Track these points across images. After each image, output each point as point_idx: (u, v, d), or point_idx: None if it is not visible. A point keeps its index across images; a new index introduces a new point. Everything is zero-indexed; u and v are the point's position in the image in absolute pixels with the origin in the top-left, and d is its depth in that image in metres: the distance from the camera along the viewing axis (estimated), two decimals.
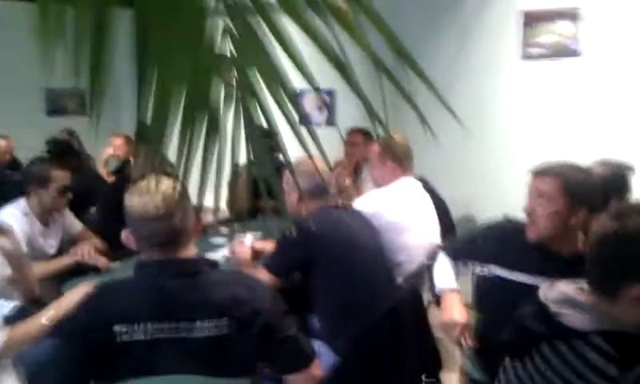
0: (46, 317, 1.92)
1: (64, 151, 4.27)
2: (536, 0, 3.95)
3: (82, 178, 3.61)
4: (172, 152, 0.84)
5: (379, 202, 2.74)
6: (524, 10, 3.97)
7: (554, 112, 4.00)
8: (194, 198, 1.02)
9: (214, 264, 1.70)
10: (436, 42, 4.22)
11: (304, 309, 2.41)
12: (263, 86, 0.81)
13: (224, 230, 3.41)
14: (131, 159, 4.70)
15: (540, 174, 1.95)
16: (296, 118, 0.83)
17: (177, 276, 1.57)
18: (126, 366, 1.50)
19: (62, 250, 2.94)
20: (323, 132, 0.88)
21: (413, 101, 0.75)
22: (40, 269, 2.71)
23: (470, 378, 2.12)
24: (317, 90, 0.82)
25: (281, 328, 1.64)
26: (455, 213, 3.51)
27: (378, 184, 2.96)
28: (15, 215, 2.79)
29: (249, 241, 2.86)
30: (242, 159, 0.92)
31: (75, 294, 1.96)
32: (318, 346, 2.29)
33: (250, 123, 0.83)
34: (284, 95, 0.81)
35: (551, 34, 3.89)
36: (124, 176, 3.55)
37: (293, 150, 0.93)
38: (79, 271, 2.76)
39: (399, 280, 2.60)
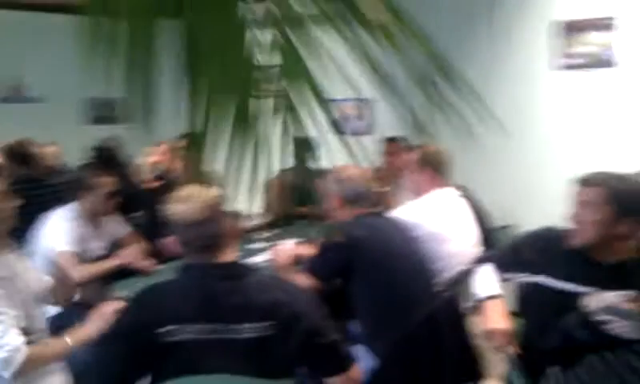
0: (71, 337, 1.91)
1: (109, 158, 4.41)
2: (571, 10, 3.90)
3: (126, 184, 3.72)
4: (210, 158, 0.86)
5: (419, 213, 2.73)
6: (558, 21, 3.92)
7: (589, 122, 3.93)
8: (235, 203, 1.05)
9: (254, 268, 1.74)
10: (470, 51, 4.19)
11: (344, 314, 2.43)
12: (307, 96, 0.83)
13: (264, 235, 3.46)
14: (171, 167, 4.82)
15: (585, 182, 1.94)
16: (337, 126, 0.85)
17: (221, 279, 1.62)
18: (170, 366, 1.55)
19: (108, 253, 3.03)
20: (361, 140, 0.90)
21: (456, 112, 0.76)
22: (87, 270, 2.81)
23: None
24: (361, 99, 0.84)
25: (321, 332, 1.66)
26: (495, 221, 3.47)
27: (415, 192, 2.95)
28: (65, 218, 2.90)
29: (289, 246, 2.89)
30: (281, 166, 0.94)
31: (101, 317, 1.93)
32: (358, 350, 2.30)
33: (294, 132, 0.86)
34: (326, 105, 0.83)
35: (586, 44, 3.83)
36: (167, 183, 3.64)
37: (333, 157, 0.95)
38: (124, 273, 2.84)
39: (438, 288, 2.59)
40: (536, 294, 2.04)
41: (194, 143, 0.86)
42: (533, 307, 2.07)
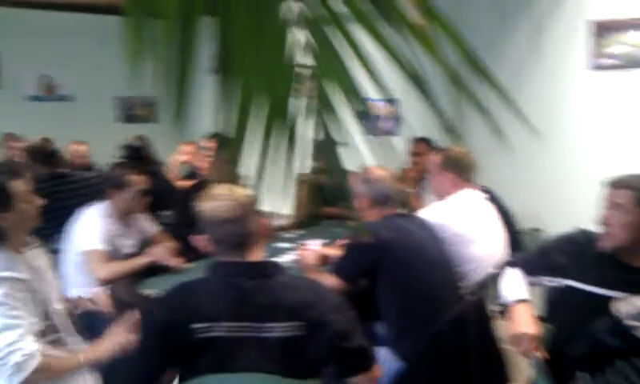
0: (84, 355, 1.89)
1: (139, 157, 4.50)
2: (606, 10, 3.83)
3: (155, 183, 3.78)
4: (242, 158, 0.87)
5: (445, 214, 2.73)
6: (594, 20, 3.86)
7: (623, 123, 3.86)
8: (264, 203, 1.05)
9: (282, 268, 1.75)
10: (503, 49, 4.15)
11: (369, 315, 2.43)
12: (339, 97, 0.84)
13: (291, 235, 3.48)
14: (199, 166, 4.88)
15: (615, 185, 1.93)
16: (369, 127, 0.86)
17: (252, 277, 1.64)
18: (200, 363, 1.57)
19: (138, 251, 3.08)
20: (389, 141, 0.90)
21: (489, 115, 0.75)
22: (117, 267, 2.86)
23: None
24: (391, 100, 0.85)
25: (347, 332, 1.68)
26: (524, 224, 3.44)
27: (438, 194, 2.95)
28: (97, 216, 2.96)
29: (315, 246, 2.91)
30: (310, 166, 0.95)
31: (116, 338, 1.89)
32: (383, 352, 2.30)
33: (327, 133, 0.86)
34: (359, 106, 0.84)
35: (621, 44, 3.76)
36: (199, 182, 3.69)
37: (362, 158, 0.95)
38: (153, 271, 2.89)
39: (465, 290, 2.58)
40: (565, 298, 2.03)
41: (227, 143, 0.86)
42: (562, 312, 2.05)
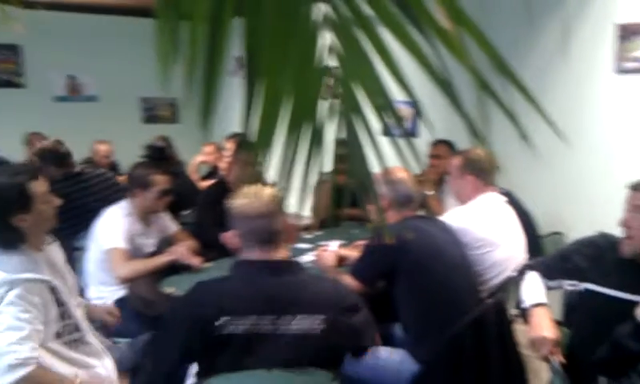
0: (79, 379, 1.84)
1: (162, 157, 4.55)
2: (632, 13, 3.78)
3: (177, 183, 3.82)
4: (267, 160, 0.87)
5: (466, 218, 2.72)
6: (620, 23, 3.81)
7: None
8: (289, 204, 1.06)
9: (303, 267, 1.79)
10: (527, 52, 4.12)
11: (387, 317, 2.43)
12: (365, 99, 0.85)
13: (309, 235, 3.49)
14: (219, 165, 4.92)
15: (637, 188, 1.91)
16: (395, 129, 0.86)
17: (275, 274, 1.68)
18: (223, 357, 1.60)
19: (158, 250, 3.12)
20: (412, 142, 0.89)
21: (516, 119, 0.75)
22: (139, 265, 2.90)
23: None
24: (416, 102, 0.85)
25: (364, 331, 1.71)
26: (545, 228, 3.41)
27: (458, 197, 2.94)
28: (119, 215, 3.00)
29: (334, 247, 2.92)
30: (331, 167, 0.95)
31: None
32: (401, 355, 2.31)
33: (352, 135, 0.87)
34: (385, 109, 0.84)
35: None
36: (218, 182, 3.72)
37: (384, 159, 0.94)
38: (174, 269, 2.93)
39: (485, 294, 2.57)
40: (584, 301, 2.01)
41: (253, 145, 0.86)
42: (581, 316, 2.03)
